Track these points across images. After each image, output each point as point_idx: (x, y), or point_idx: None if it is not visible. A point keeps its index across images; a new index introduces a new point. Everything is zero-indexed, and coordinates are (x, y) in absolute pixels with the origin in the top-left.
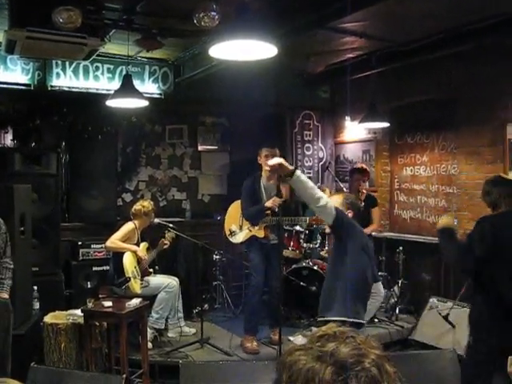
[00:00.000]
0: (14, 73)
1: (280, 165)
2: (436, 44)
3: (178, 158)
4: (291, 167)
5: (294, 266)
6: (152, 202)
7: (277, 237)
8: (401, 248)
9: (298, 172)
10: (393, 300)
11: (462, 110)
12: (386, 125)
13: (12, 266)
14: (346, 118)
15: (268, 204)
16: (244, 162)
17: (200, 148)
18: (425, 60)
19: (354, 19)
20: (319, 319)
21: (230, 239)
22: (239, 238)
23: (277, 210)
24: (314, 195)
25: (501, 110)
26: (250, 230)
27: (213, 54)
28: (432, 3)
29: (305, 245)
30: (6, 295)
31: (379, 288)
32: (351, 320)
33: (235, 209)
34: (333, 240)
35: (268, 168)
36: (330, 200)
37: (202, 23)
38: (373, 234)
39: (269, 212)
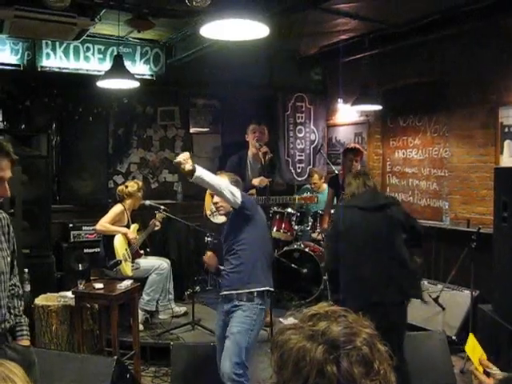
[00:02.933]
0: (3, 53)
1: (178, 163)
2: (429, 26)
3: (169, 140)
4: (190, 167)
5: (285, 248)
6: (139, 183)
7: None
8: None
9: (199, 172)
10: None
11: (454, 92)
12: (378, 107)
13: (22, 292)
14: (339, 100)
15: (255, 182)
16: (236, 144)
17: (192, 130)
18: (418, 42)
19: (347, 0)
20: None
21: (212, 219)
22: (221, 218)
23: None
24: (218, 190)
25: (493, 93)
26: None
27: (204, 33)
28: None
29: (296, 227)
30: (27, 341)
31: None
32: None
33: None
34: (240, 223)
35: (255, 144)
36: (233, 187)
37: (194, 3)
38: None
39: (254, 191)
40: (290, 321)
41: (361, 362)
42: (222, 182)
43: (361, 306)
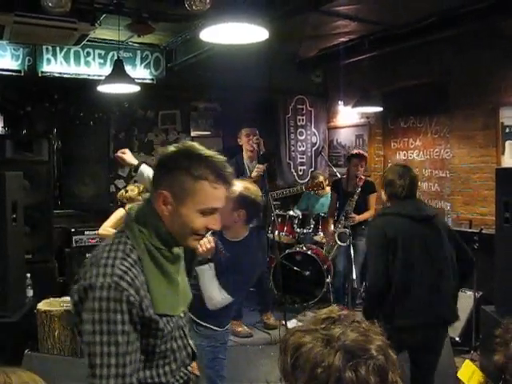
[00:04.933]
0: (4, 59)
1: (121, 158)
2: (429, 28)
3: (170, 144)
4: (134, 162)
5: (287, 251)
6: (140, 187)
7: (263, 218)
8: None
9: (142, 167)
10: None
11: (454, 94)
12: (379, 109)
13: None
14: (339, 102)
15: (253, 175)
16: (237, 147)
17: (193, 133)
18: (418, 44)
19: (347, 2)
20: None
21: None
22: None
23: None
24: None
25: (493, 93)
26: None
27: (204, 37)
28: None
29: (298, 230)
30: None
31: None
32: None
33: None
34: None
35: (249, 148)
36: None
37: (194, 7)
38: (369, 219)
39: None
40: (293, 323)
41: (377, 371)
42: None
43: (412, 325)
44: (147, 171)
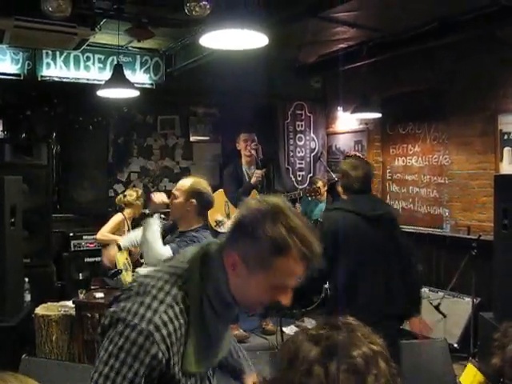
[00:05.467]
0: (4, 63)
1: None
2: (427, 34)
3: (169, 149)
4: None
5: None
6: (139, 191)
7: None
8: None
9: (154, 219)
10: None
11: (453, 100)
12: (377, 115)
13: None
14: (338, 108)
15: (253, 180)
16: (236, 152)
17: (192, 138)
18: (417, 50)
19: (346, 9)
20: None
21: (218, 230)
22: (229, 226)
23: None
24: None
25: (492, 100)
26: None
27: (203, 43)
28: None
29: None
30: None
31: None
32: None
33: (216, 199)
34: None
35: (247, 153)
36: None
37: (194, 13)
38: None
39: (255, 193)
40: (291, 329)
41: (351, 371)
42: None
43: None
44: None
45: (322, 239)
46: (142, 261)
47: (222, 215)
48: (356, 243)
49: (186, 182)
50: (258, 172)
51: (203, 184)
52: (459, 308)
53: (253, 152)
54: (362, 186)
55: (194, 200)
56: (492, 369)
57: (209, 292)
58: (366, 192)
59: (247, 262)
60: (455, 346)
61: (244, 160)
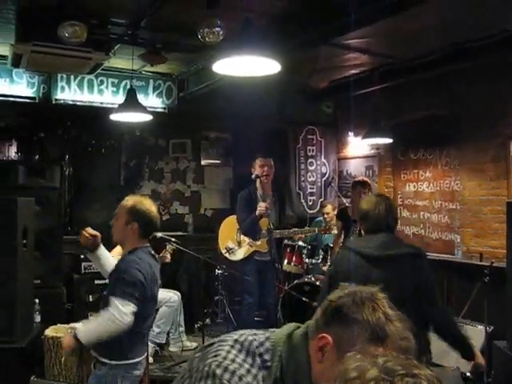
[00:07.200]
0: (20, 86)
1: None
2: (439, 60)
3: (181, 172)
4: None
5: (296, 282)
6: None
7: (274, 252)
8: None
9: (101, 250)
10: None
11: (465, 126)
12: (388, 141)
13: None
14: (349, 133)
15: (257, 212)
16: (247, 176)
17: (203, 162)
18: (428, 76)
19: (358, 36)
20: None
21: (228, 257)
22: (239, 254)
23: (270, 216)
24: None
25: (504, 126)
26: (251, 246)
27: (217, 69)
28: (435, 20)
29: (307, 260)
30: None
31: None
32: None
33: (229, 225)
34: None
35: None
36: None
37: (207, 39)
38: None
39: (266, 221)
40: None
41: None
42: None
43: None
44: (106, 255)
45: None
46: None
47: (234, 243)
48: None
49: (127, 202)
50: (262, 205)
51: (146, 204)
52: (472, 336)
53: (269, 178)
54: (375, 224)
55: (135, 223)
56: None
57: (285, 376)
58: (381, 231)
59: (339, 346)
60: (468, 375)
61: (259, 185)
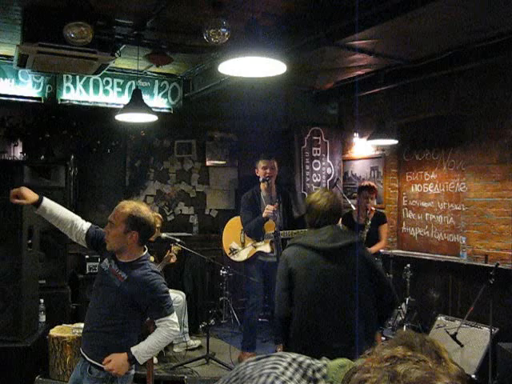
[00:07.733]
0: (25, 86)
1: (20, 193)
2: (444, 61)
3: (186, 173)
4: (34, 197)
5: None
6: (157, 215)
7: (278, 252)
8: (408, 265)
9: (45, 202)
10: (400, 318)
11: (470, 127)
12: (394, 142)
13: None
14: (355, 134)
15: (264, 214)
16: (252, 177)
17: (208, 163)
18: (433, 77)
19: (363, 37)
20: None
21: (232, 258)
22: (243, 255)
23: (277, 218)
24: (67, 226)
25: (509, 127)
26: (255, 247)
27: (222, 70)
28: (440, 21)
29: None
30: None
31: None
32: None
33: (233, 226)
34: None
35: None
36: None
37: (212, 39)
38: (381, 251)
39: (272, 224)
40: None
41: None
42: (73, 215)
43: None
44: (50, 206)
45: (277, 278)
46: None
47: (237, 243)
48: (307, 278)
49: (124, 209)
50: (270, 207)
51: (144, 211)
52: (477, 338)
53: (272, 179)
54: (323, 220)
55: (135, 232)
56: None
57: None
58: (326, 224)
59: None
60: (473, 377)
61: (262, 186)
